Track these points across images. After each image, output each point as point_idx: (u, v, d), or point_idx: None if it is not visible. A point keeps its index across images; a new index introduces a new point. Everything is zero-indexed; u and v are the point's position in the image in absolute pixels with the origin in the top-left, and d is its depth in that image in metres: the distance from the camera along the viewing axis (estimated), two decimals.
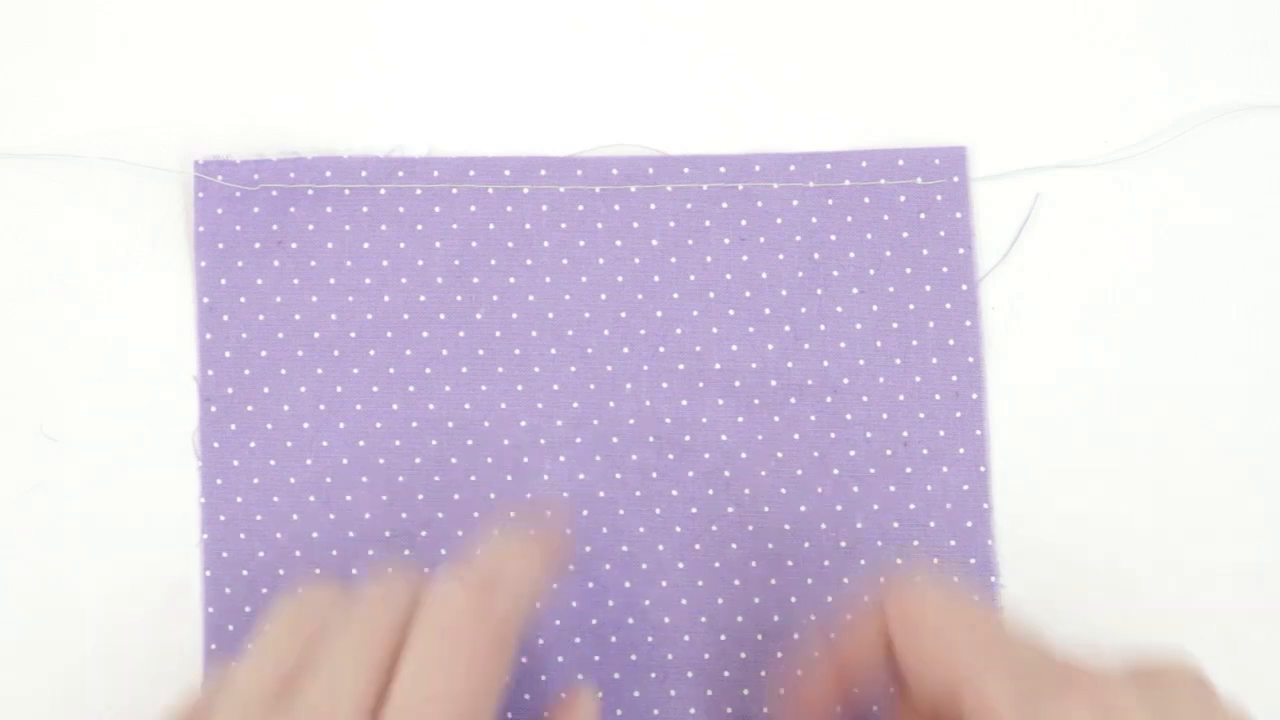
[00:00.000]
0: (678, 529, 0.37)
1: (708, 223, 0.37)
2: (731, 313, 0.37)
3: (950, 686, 0.29)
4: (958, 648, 0.30)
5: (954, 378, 0.37)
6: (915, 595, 0.31)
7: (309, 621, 0.32)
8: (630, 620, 0.36)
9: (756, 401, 0.37)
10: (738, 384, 0.37)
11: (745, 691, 0.36)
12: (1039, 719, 0.29)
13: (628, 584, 0.36)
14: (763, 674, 0.36)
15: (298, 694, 0.30)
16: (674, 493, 0.37)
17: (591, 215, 0.37)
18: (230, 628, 0.36)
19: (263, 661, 0.32)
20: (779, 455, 0.37)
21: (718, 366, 0.37)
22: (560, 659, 0.36)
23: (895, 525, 0.37)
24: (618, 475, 0.37)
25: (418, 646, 0.30)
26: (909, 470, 0.37)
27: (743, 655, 0.36)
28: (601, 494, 0.37)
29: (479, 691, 0.30)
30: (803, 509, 0.37)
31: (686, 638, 0.36)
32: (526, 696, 0.36)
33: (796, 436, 0.37)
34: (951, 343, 0.37)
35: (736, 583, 0.37)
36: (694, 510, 0.37)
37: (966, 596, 0.31)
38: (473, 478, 0.36)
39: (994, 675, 0.30)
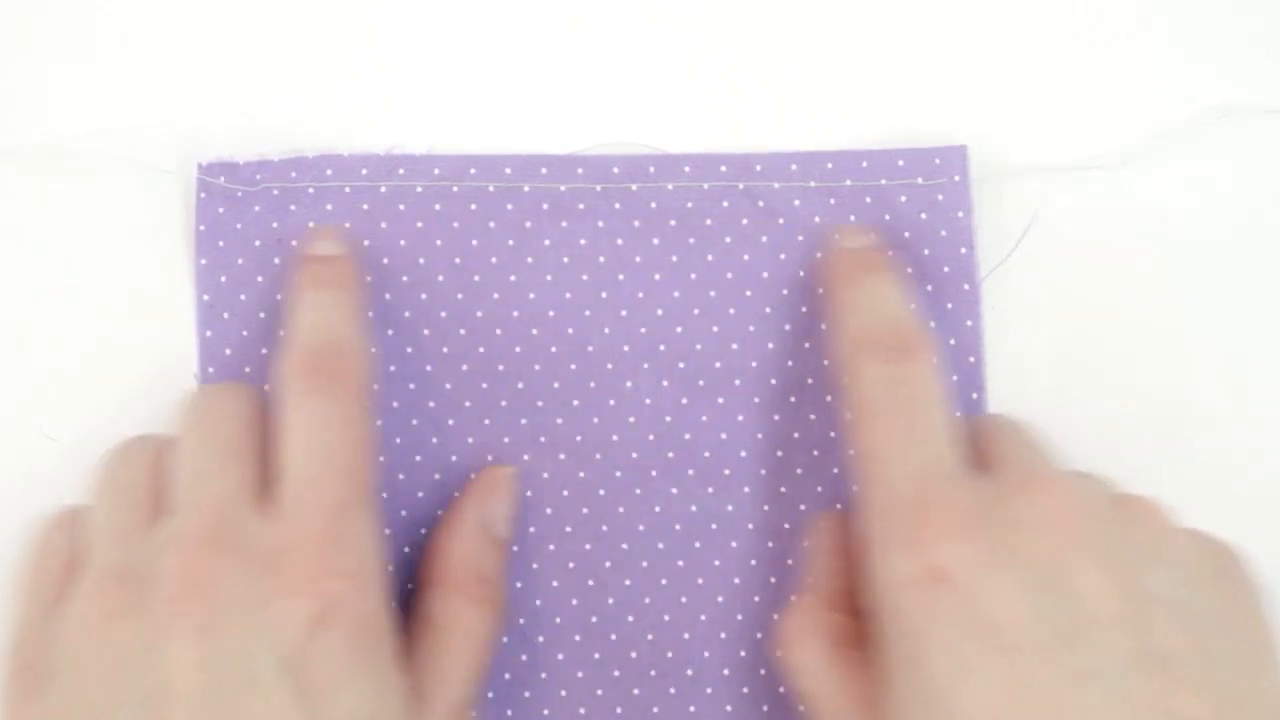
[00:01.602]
0: (677, 527, 0.37)
1: (709, 221, 0.37)
2: (732, 311, 0.37)
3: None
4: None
5: (954, 377, 0.37)
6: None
7: (144, 452, 0.34)
8: (630, 618, 0.36)
9: (757, 400, 0.37)
10: (738, 383, 0.37)
11: (745, 690, 0.36)
12: (991, 526, 0.29)
13: (627, 582, 0.36)
14: (762, 672, 0.36)
15: (170, 502, 0.32)
16: (674, 491, 0.37)
17: (592, 213, 0.37)
18: None
19: (115, 491, 0.33)
20: (779, 454, 0.37)
21: (718, 365, 0.37)
22: (560, 656, 0.36)
23: None
24: (618, 473, 0.37)
25: (293, 421, 0.32)
26: None
27: (742, 653, 0.36)
28: (602, 492, 0.37)
29: (362, 450, 0.32)
30: (802, 508, 0.37)
31: (686, 636, 0.36)
32: (527, 694, 0.36)
33: (796, 435, 0.37)
34: (952, 342, 0.37)
35: (736, 581, 0.37)
36: (694, 508, 0.37)
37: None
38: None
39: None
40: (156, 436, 0.34)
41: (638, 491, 0.37)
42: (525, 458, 0.37)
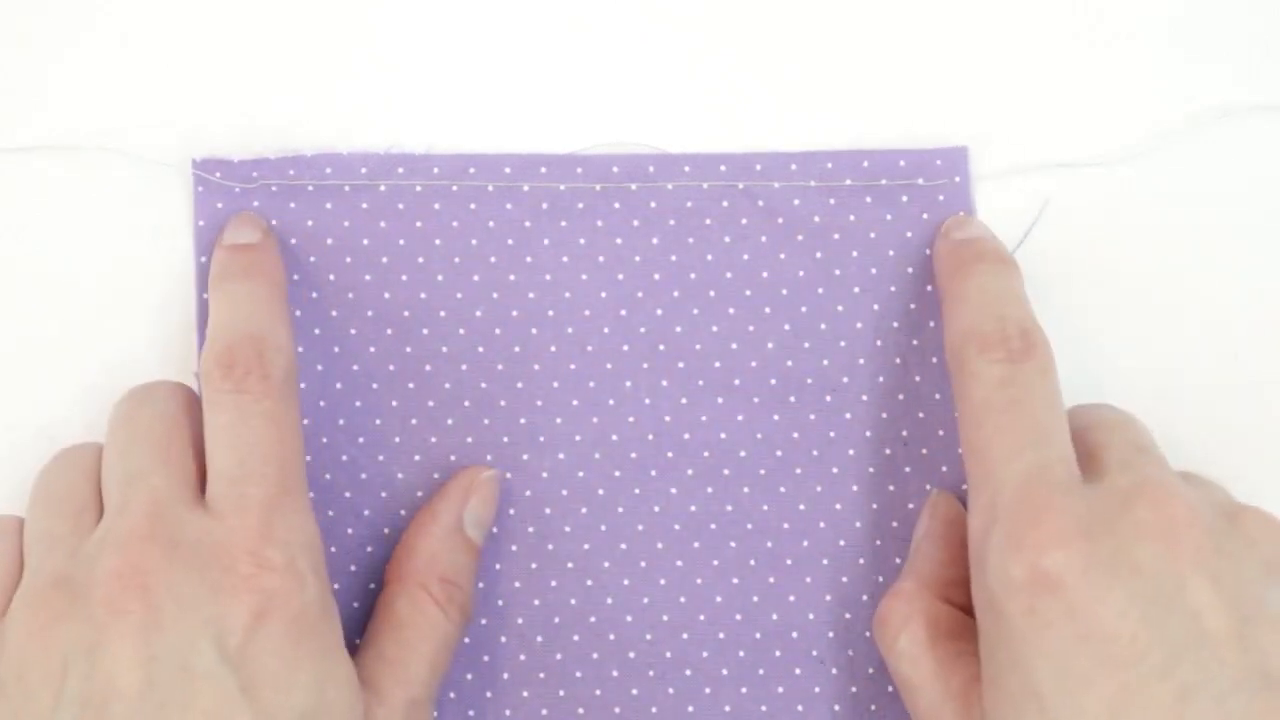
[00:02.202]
0: (676, 527, 0.37)
1: (708, 221, 0.37)
2: (732, 311, 0.37)
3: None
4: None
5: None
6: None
7: (80, 459, 0.34)
8: (628, 618, 0.36)
9: (756, 400, 0.37)
10: (737, 382, 0.37)
11: (744, 689, 0.36)
12: (1102, 536, 0.29)
13: (626, 581, 0.36)
14: (761, 672, 0.36)
15: (109, 504, 0.32)
16: (673, 491, 0.37)
17: (592, 213, 0.37)
18: None
19: (50, 499, 0.33)
20: (778, 454, 0.37)
21: (718, 365, 0.37)
22: (558, 656, 0.36)
23: (894, 525, 0.37)
24: (617, 473, 0.37)
25: (219, 422, 0.32)
26: (908, 470, 0.37)
27: (741, 654, 0.36)
28: (601, 492, 0.37)
29: (289, 447, 0.32)
30: (801, 508, 0.37)
31: (685, 635, 0.36)
32: (525, 694, 0.36)
33: (796, 435, 0.37)
34: None
35: (735, 581, 0.36)
36: (693, 508, 0.37)
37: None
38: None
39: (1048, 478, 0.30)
40: (93, 444, 0.34)
41: (637, 491, 0.37)
42: (525, 458, 0.37)
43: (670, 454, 0.37)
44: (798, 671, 0.36)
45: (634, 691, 0.36)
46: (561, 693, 0.36)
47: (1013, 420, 0.31)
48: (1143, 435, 0.33)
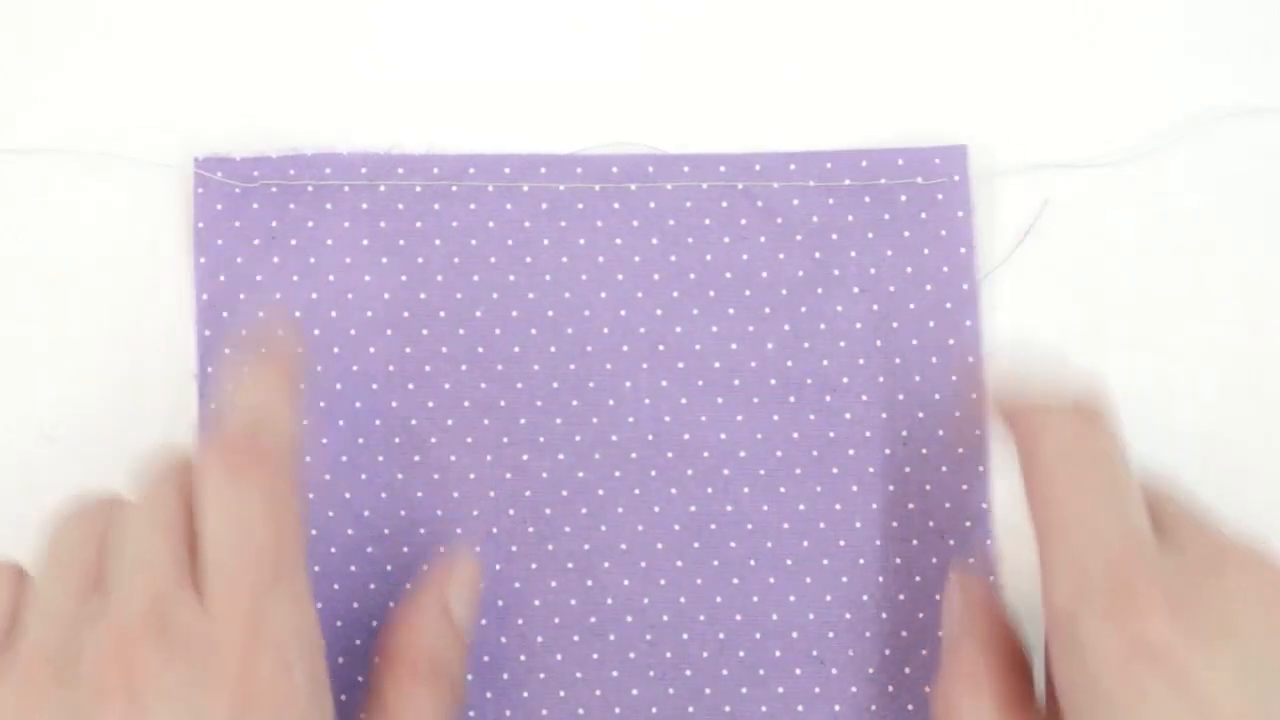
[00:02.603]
0: (676, 527, 0.37)
1: (708, 221, 0.37)
2: (731, 311, 0.37)
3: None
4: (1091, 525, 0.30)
5: (954, 377, 0.37)
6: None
7: (94, 523, 0.33)
8: (628, 618, 0.36)
9: (756, 400, 0.37)
10: (737, 383, 0.37)
11: (744, 690, 0.36)
12: (1196, 604, 0.28)
13: (626, 582, 0.36)
14: (761, 672, 0.36)
15: (109, 580, 0.31)
16: (673, 491, 0.37)
17: (591, 213, 0.37)
18: None
19: (60, 566, 0.32)
20: (778, 454, 0.37)
21: (717, 365, 0.37)
22: (558, 656, 0.36)
23: (894, 525, 0.37)
24: (617, 473, 0.37)
25: (211, 508, 0.31)
26: (908, 470, 0.37)
27: (741, 654, 0.36)
28: (601, 492, 0.37)
29: (284, 531, 0.31)
30: (801, 508, 0.37)
31: (685, 636, 0.36)
32: (525, 694, 0.36)
33: (795, 435, 0.37)
34: (951, 342, 0.37)
35: (735, 581, 0.37)
36: (693, 508, 0.37)
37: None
38: (471, 475, 0.36)
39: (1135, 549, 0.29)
40: (110, 499, 0.33)
41: (636, 492, 0.37)
42: (525, 458, 0.37)
43: (670, 454, 0.37)
44: (798, 671, 0.36)
45: (634, 692, 0.36)
46: (561, 693, 0.36)
47: (1092, 481, 0.30)
48: (1192, 498, 0.33)
